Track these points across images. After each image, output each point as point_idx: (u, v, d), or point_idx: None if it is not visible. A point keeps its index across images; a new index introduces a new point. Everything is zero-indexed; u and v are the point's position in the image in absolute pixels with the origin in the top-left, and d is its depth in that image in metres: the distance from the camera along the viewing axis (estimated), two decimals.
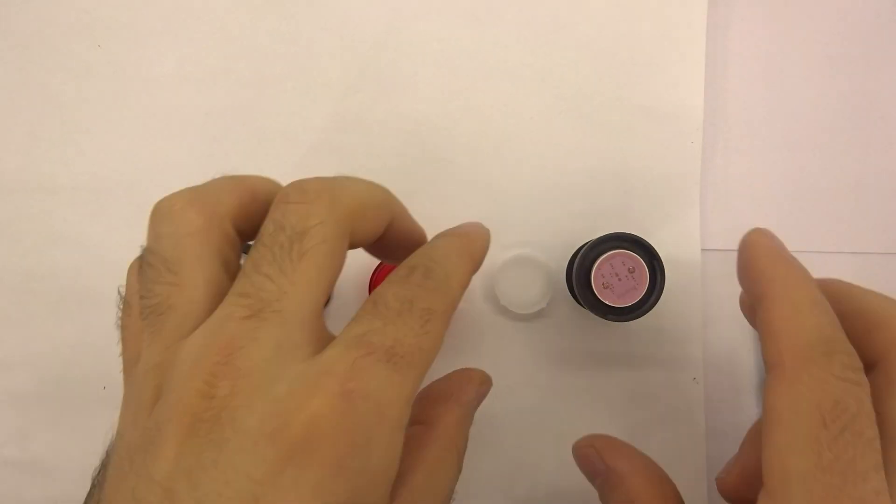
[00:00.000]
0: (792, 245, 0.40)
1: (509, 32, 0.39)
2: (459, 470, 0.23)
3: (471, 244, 0.24)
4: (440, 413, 0.23)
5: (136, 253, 0.39)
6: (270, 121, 0.39)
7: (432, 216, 0.39)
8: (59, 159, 0.39)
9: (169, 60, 0.40)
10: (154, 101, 0.39)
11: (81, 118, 0.39)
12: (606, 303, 0.32)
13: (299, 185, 0.21)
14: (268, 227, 0.20)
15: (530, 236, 0.38)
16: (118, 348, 0.21)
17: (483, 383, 0.26)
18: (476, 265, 0.23)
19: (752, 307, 0.22)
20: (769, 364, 0.20)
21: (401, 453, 0.19)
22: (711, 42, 0.39)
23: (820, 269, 0.39)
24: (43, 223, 0.39)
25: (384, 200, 0.23)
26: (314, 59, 0.39)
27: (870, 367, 0.21)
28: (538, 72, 0.39)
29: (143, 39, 0.40)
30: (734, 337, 0.38)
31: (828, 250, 0.39)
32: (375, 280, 0.37)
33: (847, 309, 0.21)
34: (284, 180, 0.39)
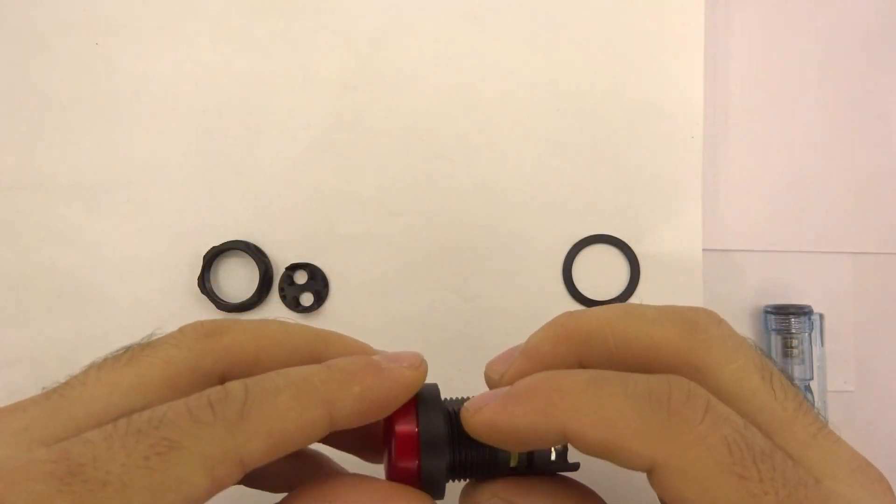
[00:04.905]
0: (792, 245, 0.40)
1: (507, 30, 0.39)
2: None
3: (334, 386, 0.18)
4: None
5: (135, 250, 0.39)
6: (268, 119, 0.39)
7: (429, 214, 0.39)
8: (57, 157, 0.39)
9: (167, 58, 0.39)
10: (152, 98, 0.39)
11: (79, 116, 0.39)
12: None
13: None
14: None
15: (528, 234, 0.38)
16: (116, 345, 0.20)
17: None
18: (322, 412, 0.18)
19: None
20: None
21: None
22: (712, 41, 0.39)
23: (820, 268, 0.39)
24: (41, 221, 0.39)
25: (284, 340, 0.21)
26: (312, 58, 0.39)
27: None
28: (536, 69, 0.39)
29: (141, 37, 0.40)
30: None
31: (828, 250, 0.39)
32: None
33: (628, 346, 0.20)
34: (283, 178, 0.39)
